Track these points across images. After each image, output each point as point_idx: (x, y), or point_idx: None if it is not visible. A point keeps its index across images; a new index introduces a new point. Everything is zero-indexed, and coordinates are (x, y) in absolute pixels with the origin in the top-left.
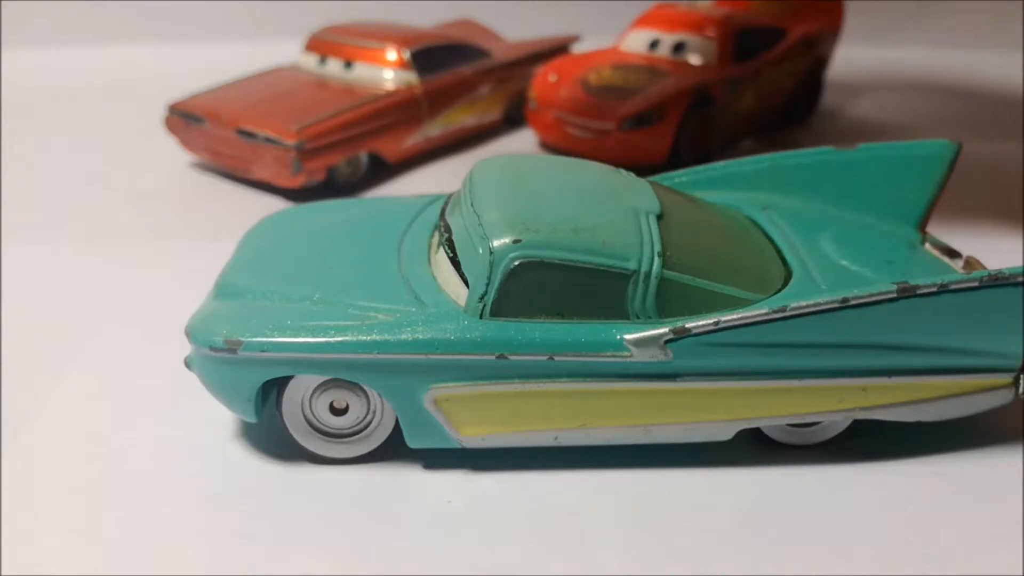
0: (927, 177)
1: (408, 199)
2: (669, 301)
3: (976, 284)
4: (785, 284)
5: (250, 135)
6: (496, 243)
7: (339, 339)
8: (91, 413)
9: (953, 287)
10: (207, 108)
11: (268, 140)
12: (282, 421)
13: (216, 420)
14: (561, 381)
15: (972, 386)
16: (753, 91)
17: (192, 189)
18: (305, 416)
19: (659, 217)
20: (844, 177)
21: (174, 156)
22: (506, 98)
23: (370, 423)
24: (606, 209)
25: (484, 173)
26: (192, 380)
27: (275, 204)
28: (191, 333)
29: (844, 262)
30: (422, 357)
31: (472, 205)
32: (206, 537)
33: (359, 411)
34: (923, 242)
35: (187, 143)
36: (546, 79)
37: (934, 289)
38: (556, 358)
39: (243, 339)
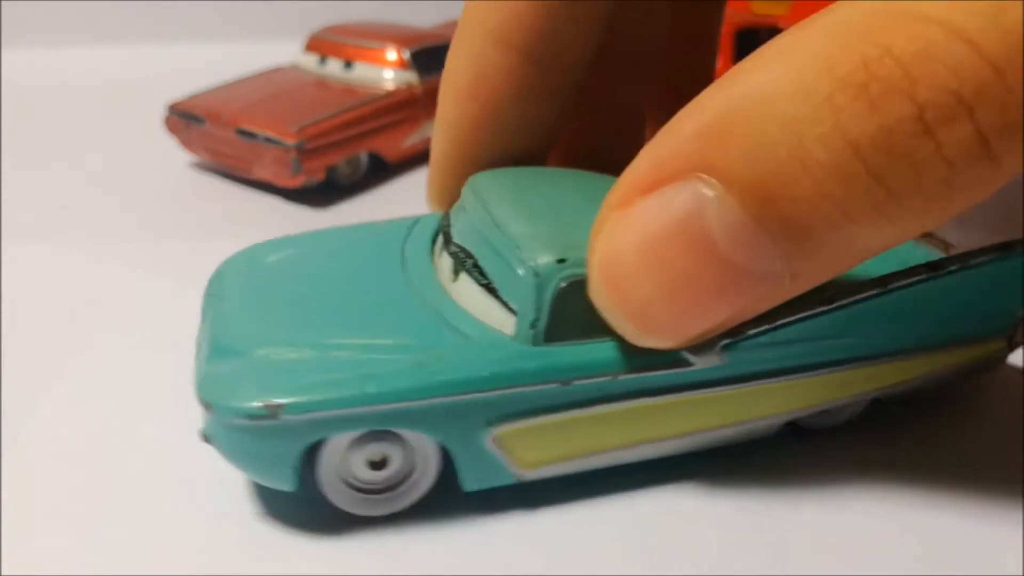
0: None
1: (380, 225)
2: None
3: (991, 257)
4: None
5: (250, 135)
6: (540, 265)
7: (394, 387)
8: (91, 413)
9: (973, 263)
10: (207, 108)
11: (268, 140)
12: (319, 488)
13: None
14: (623, 401)
15: (974, 352)
16: None
17: (192, 189)
18: (343, 477)
19: None
20: None
21: (174, 156)
22: None
23: (411, 474)
24: None
25: (488, 190)
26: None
27: (275, 204)
28: (215, 404)
29: None
30: (485, 394)
31: (497, 226)
32: (206, 537)
33: (399, 462)
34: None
35: (187, 143)
36: None
37: (957, 266)
38: (619, 377)
39: (283, 401)
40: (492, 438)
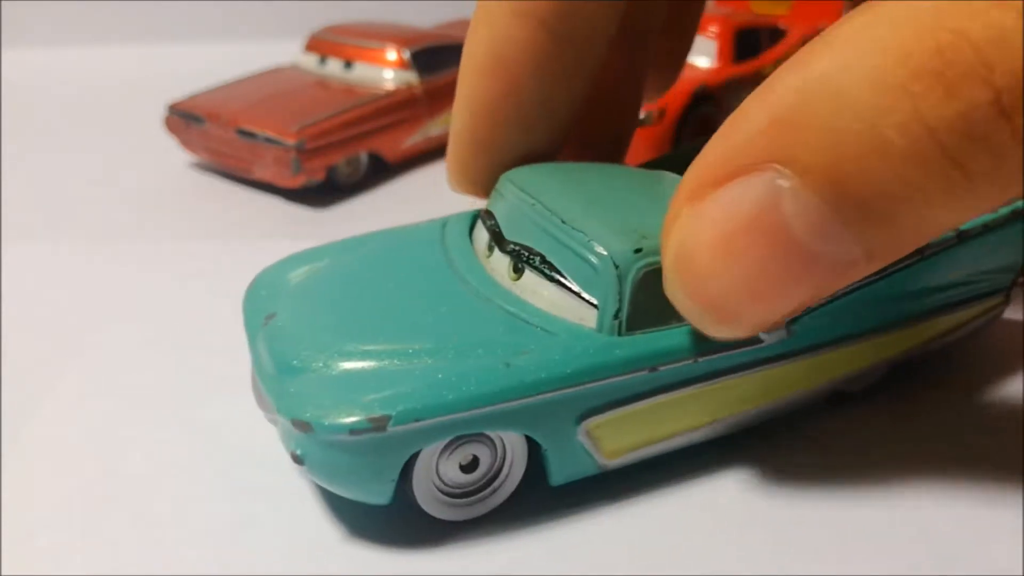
0: None
1: (408, 229)
2: None
3: (1006, 222)
4: None
5: (250, 135)
6: (618, 256)
7: (493, 389)
8: (91, 413)
9: (991, 225)
10: (207, 108)
11: (268, 140)
12: (414, 497)
13: (216, 420)
14: (701, 382)
15: (978, 309)
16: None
17: (192, 189)
18: (435, 484)
19: None
20: None
21: (174, 156)
22: None
23: (499, 472)
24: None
25: (534, 185)
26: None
27: (275, 204)
28: (314, 422)
29: None
30: (579, 388)
31: (563, 220)
32: (206, 537)
33: (488, 461)
34: None
35: (187, 143)
36: None
37: (980, 229)
38: (699, 360)
39: (389, 412)
40: (584, 430)
